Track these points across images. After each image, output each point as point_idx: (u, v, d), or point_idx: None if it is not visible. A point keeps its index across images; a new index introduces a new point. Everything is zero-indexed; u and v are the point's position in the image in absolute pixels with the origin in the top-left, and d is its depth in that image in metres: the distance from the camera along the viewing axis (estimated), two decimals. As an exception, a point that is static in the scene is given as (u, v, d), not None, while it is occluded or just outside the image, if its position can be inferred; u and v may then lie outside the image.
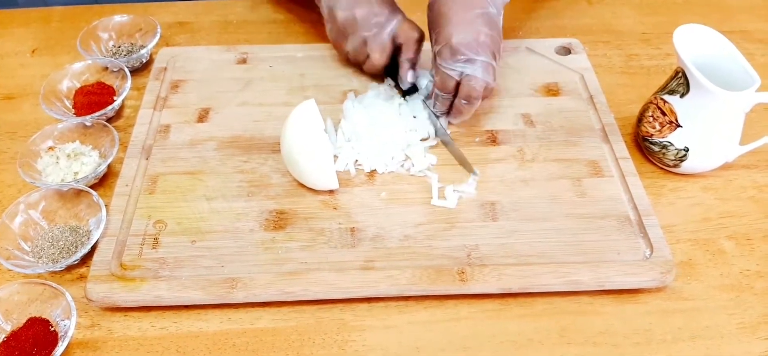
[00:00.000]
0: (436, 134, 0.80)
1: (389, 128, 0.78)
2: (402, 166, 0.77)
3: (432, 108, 0.81)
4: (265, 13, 1.04)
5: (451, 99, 0.78)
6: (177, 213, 0.71)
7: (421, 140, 0.79)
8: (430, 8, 0.79)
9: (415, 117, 0.81)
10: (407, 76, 0.83)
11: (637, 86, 0.90)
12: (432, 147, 0.79)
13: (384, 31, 0.83)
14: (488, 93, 0.78)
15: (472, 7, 0.76)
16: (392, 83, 0.86)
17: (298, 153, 0.71)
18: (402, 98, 0.83)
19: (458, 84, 0.77)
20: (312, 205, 0.73)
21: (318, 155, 0.71)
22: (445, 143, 0.79)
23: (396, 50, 0.84)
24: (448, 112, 0.80)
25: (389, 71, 0.86)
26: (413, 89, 0.84)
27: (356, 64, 0.88)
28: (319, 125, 0.71)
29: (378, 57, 0.84)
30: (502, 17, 0.79)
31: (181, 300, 0.65)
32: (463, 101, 0.77)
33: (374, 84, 0.87)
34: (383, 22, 0.83)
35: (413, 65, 0.84)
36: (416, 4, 0.88)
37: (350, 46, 0.85)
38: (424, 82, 0.84)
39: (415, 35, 0.83)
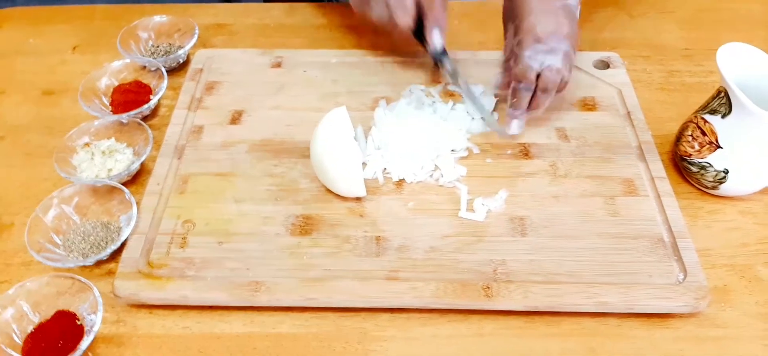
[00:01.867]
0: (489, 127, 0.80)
1: (419, 137, 0.77)
2: (431, 176, 0.76)
3: (509, 104, 0.79)
4: (302, 18, 1.04)
5: (531, 92, 0.77)
6: (206, 214, 0.72)
7: (451, 151, 0.78)
8: (508, 2, 0.79)
9: (445, 121, 0.80)
10: (434, 39, 0.82)
11: (677, 104, 0.87)
12: (463, 158, 0.78)
13: None
14: (563, 86, 0.78)
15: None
16: (424, 89, 0.86)
17: (327, 159, 0.71)
18: (434, 67, 0.83)
19: (538, 76, 0.76)
20: (339, 212, 0.72)
21: (347, 162, 0.70)
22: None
23: (421, 14, 0.82)
24: (528, 106, 0.79)
25: (420, 36, 0.84)
26: (444, 53, 0.82)
27: (385, 32, 0.85)
28: (349, 132, 0.71)
29: (402, 18, 0.81)
30: (579, 11, 0.79)
31: (206, 301, 0.65)
32: (541, 92, 0.77)
33: (406, 91, 0.86)
34: None
35: (441, 30, 0.82)
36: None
37: (374, 13, 0.83)
38: (478, 92, 0.84)
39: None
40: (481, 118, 0.81)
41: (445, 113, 0.81)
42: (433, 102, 0.84)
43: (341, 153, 0.70)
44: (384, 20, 0.83)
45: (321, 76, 0.89)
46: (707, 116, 0.73)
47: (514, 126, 0.79)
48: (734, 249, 0.72)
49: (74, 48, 0.99)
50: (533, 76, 0.76)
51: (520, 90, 0.77)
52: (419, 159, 0.76)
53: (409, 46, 0.87)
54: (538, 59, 0.75)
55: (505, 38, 0.81)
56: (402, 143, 0.77)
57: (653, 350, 0.64)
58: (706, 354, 0.63)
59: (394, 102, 0.84)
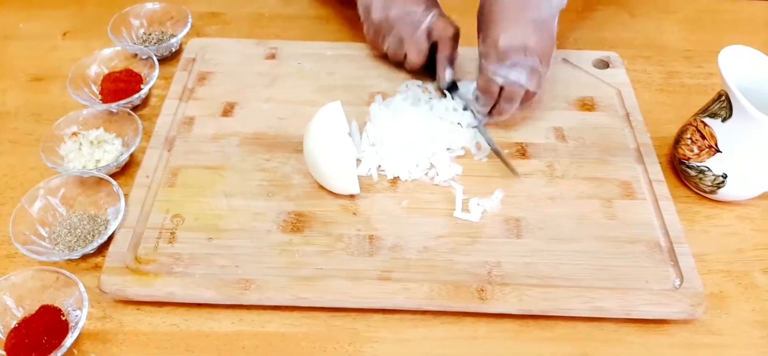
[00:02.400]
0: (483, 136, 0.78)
1: (415, 134, 0.76)
2: (426, 174, 0.74)
3: (474, 107, 0.79)
4: (298, 8, 1.02)
5: (494, 101, 0.76)
6: (195, 209, 0.70)
7: (446, 149, 0.77)
8: (481, 9, 0.77)
9: (441, 119, 0.79)
10: (445, 75, 0.82)
11: (676, 106, 0.86)
12: (459, 157, 0.77)
13: (419, 30, 0.81)
14: (529, 97, 0.76)
15: (523, 9, 0.73)
16: (421, 84, 0.85)
17: (320, 156, 0.70)
18: (442, 96, 0.82)
19: (501, 88, 0.75)
20: (331, 209, 0.71)
21: (340, 158, 0.69)
22: (492, 149, 0.77)
23: (433, 48, 0.82)
24: (489, 112, 0.78)
25: (431, 69, 0.84)
26: (453, 86, 0.82)
27: (396, 63, 0.87)
28: (343, 128, 0.70)
29: (415, 57, 0.83)
30: (556, 22, 0.76)
31: (194, 298, 0.64)
32: (504, 102, 0.76)
33: (402, 87, 0.85)
34: (418, 20, 0.81)
35: (451, 63, 0.82)
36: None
37: (387, 46, 0.84)
38: (471, 88, 0.82)
39: (451, 32, 0.81)
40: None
41: (441, 111, 0.80)
42: (430, 98, 0.82)
43: (335, 149, 0.69)
44: (398, 55, 0.85)
45: (316, 68, 0.87)
46: (707, 120, 0.72)
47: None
48: (731, 255, 0.71)
49: (65, 34, 0.97)
50: (495, 90, 0.75)
51: (482, 98, 0.77)
52: (414, 157, 0.75)
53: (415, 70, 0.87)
54: (501, 74, 0.74)
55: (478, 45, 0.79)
56: (397, 139, 0.75)
57: (648, 356, 0.63)
58: (701, 361, 0.63)
59: (390, 97, 0.82)
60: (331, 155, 0.69)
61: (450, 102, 0.81)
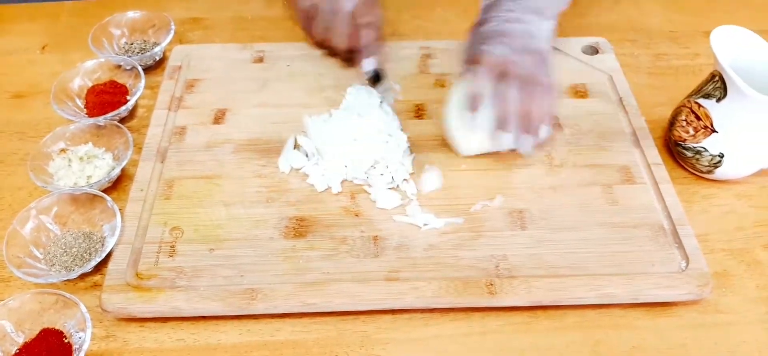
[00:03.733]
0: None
1: (348, 148, 0.74)
2: (381, 175, 0.73)
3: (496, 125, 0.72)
4: (280, 9, 1.01)
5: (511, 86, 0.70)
6: (194, 220, 0.69)
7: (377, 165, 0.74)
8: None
9: (379, 131, 0.76)
10: (364, 65, 0.78)
11: (666, 88, 0.87)
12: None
13: (341, 15, 0.76)
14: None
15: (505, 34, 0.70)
16: (368, 89, 0.81)
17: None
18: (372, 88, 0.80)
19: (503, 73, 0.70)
20: (333, 211, 0.70)
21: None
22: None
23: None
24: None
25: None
26: (377, 78, 0.79)
27: (330, 54, 0.82)
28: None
29: (338, 43, 0.77)
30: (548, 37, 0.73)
31: (199, 312, 0.63)
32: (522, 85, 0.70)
33: (350, 90, 0.81)
34: (340, 5, 0.75)
35: (373, 52, 0.78)
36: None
37: (316, 33, 0.79)
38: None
39: (371, 17, 0.77)
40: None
41: (378, 122, 0.76)
42: (382, 101, 0.80)
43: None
44: (326, 44, 0.80)
45: (306, 69, 0.86)
46: (701, 101, 0.72)
47: (526, 144, 0.72)
48: (731, 233, 0.72)
49: (43, 47, 0.94)
50: (487, 61, 0.69)
51: (499, 88, 0.69)
52: (351, 171, 0.73)
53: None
54: (485, 49, 0.70)
55: None
56: (333, 154, 0.73)
57: (658, 339, 0.63)
58: (710, 341, 0.63)
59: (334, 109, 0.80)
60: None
61: (384, 114, 0.78)
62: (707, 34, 0.71)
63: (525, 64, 0.69)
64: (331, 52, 0.81)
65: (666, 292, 0.64)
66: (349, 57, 0.81)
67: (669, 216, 0.69)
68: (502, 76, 0.69)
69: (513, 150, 0.74)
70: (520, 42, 0.70)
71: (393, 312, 0.64)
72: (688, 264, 0.65)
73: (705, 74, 0.74)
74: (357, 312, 0.64)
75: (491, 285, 0.63)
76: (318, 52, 0.82)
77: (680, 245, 0.67)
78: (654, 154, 0.75)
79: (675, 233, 0.68)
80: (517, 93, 0.69)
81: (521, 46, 0.70)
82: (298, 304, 0.63)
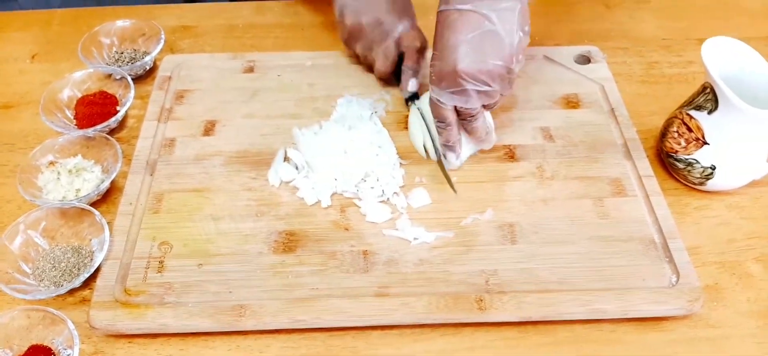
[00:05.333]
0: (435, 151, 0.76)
1: (338, 160, 0.74)
2: (372, 188, 0.73)
3: (439, 143, 0.74)
4: (271, 17, 1.00)
5: (454, 127, 0.72)
6: (183, 234, 0.69)
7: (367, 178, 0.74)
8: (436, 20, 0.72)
9: (370, 143, 0.76)
10: (408, 86, 0.81)
11: (659, 97, 0.87)
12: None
13: (388, 39, 0.81)
14: (490, 107, 0.73)
15: (457, 30, 0.67)
16: (358, 100, 0.83)
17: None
18: (406, 105, 0.81)
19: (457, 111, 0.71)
20: (323, 225, 0.70)
21: None
22: (438, 160, 0.75)
23: (402, 57, 0.82)
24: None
25: (399, 77, 0.83)
26: (415, 97, 0.81)
27: (367, 67, 0.87)
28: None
29: (382, 65, 0.83)
30: (516, 26, 0.68)
31: (188, 328, 0.62)
32: (465, 123, 0.72)
33: (341, 101, 0.82)
34: (388, 30, 0.81)
35: (415, 74, 0.81)
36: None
37: (359, 49, 0.84)
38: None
39: (417, 44, 0.81)
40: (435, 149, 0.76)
41: (368, 134, 0.77)
42: (372, 114, 0.81)
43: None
44: (368, 60, 0.85)
45: (296, 80, 0.86)
46: (693, 112, 0.72)
47: (452, 159, 0.74)
48: (723, 246, 0.71)
49: (33, 56, 0.94)
50: (447, 114, 0.71)
51: (440, 129, 0.73)
52: (341, 184, 0.73)
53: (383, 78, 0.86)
54: (444, 99, 0.70)
55: None
56: (322, 166, 0.73)
57: (648, 353, 0.63)
58: (701, 355, 0.63)
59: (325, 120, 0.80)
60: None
61: (374, 126, 0.79)
62: (700, 41, 0.71)
63: (479, 103, 0.70)
64: (371, 68, 0.86)
65: (656, 307, 0.63)
66: (389, 75, 0.84)
67: (660, 230, 0.69)
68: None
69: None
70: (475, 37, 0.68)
71: (383, 327, 0.64)
72: (678, 279, 0.65)
73: (698, 82, 0.73)
74: (347, 328, 0.64)
75: (481, 300, 0.63)
76: (307, 64, 0.84)
77: (671, 260, 0.66)
78: (645, 166, 0.75)
79: (666, 248, 0.67)
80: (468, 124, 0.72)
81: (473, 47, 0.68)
82: (287, 320, 0.62)
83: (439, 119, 0.72)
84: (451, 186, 0.73)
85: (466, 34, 0.67)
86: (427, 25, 0.80)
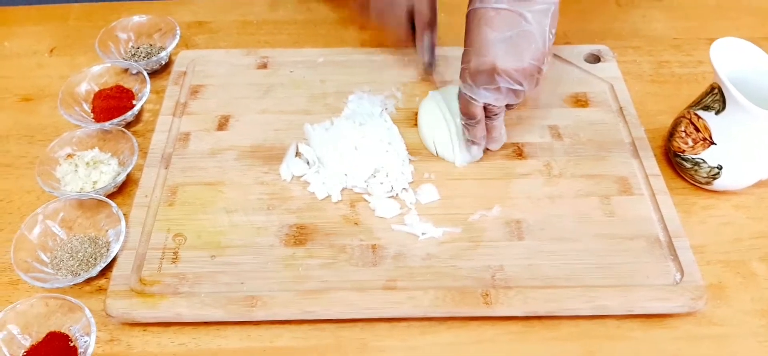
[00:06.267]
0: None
1: (350, 157, 0.75)
2: (381, 184, 0.74)
3: (465, 135, 0.76)
4: (284, 13, 1.02)
5: (481, 123, 0.73)
6: (197, 226, 0.70)
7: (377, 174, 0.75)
8: (467, 17, 0.72)
9: (380, 140, 0.77)
10: (423, 57, 0.82)
11: (668, 96, 0.87)
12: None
13: (397, 7, 0.81)
14: (511, 108, 0.75)
15: (495, 28, 0.67)
16: (370, 97, 0.85)
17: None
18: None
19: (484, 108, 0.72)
20: (333, 219, 0.71)
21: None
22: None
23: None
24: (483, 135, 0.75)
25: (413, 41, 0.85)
26: (429, 66, 0.83)
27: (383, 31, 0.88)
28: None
29: (394, 33, 0.84)
30: (547, 27, 0.68)
31: (201, 318, 0.64)
32: (488, 121, 0.73)
33: (353, 98, 0.84)
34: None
35: (429, 46, 0.82)
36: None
37: (373, 14, 0.85)
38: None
39: (425, 16, 0.81)
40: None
41: (379, 131, 0.78)
42: (382, 110, 0.82)
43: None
44: (380, 29, 0.87)
45: (308, 76, 0.87)
46: (700, 112, 0.73)
47: (474, 151, 0.76)
48: (728, 245, 0.72)
49: (51, 50, 0.96)
50: (476, 112, 0.72)
51: (467, 125, 0.74)
52: (351, 179, 0.74)
53: (398, 43, 0.88)
54: (477, 96, 0.71)
55: None
56: (333, 161, 0.75)
57: (652, 350, 0.64)
58: (703, 353, 0.64)
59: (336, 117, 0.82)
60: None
61: (384, 123, 0.80)
62: (711, 41, 0.71)
63: (510, 100, 0.71)
64: (386, 32, 0.87)
65: (660, 304, 0.64)
66: (403, 40, 0.85)
67: (665, 228, 0.70)
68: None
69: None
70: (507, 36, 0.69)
71: (391, 320, 0.65)
72: (682, 277, 0.66)
73: (708, 83, 0.74)
74: (355, 319, 0.65)
75: (487, 295, 0.64)
76: (319, 60, 0.87)
77: (675, 258, 0.67)
78: (652, 165, 0.76)
79: (671, 246, 0.68)
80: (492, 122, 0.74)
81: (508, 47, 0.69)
82: (298, 312, 0.64)
83: (468, 116, 0.73)
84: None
85: (505, 32, 0.67)
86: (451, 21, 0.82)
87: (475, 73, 0.69)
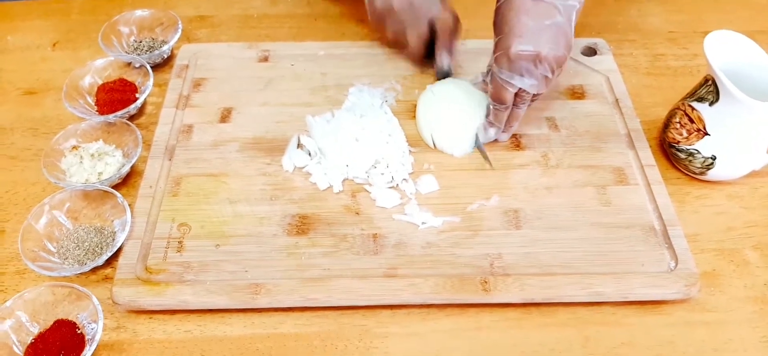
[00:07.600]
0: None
1: (350, 148, 0.76)
2: (382, 175, 0.75)
3: (489, 118, 0.77)
4: (285, 8, 1.03)
5: (508, 110, 0.75)
6: (201, 216, 0.72)
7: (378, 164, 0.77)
8: (496, 13, 0.73)
9: (380, 131, 0.78)
10: (443, 64, 0.84)
11: (663, 88, 0.89)
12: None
13: (421, 20, 0.83)
14: (534, 99, 0.76)
15: (538, 16, 0.69)
16: (369, 89, 0.86)
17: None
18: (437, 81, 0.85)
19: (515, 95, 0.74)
20: (334, 209, 0.73)
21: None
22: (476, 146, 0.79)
23: (434, 36, 0.84)
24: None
25: (431, 55, 0.86)
26: (447, 76, 0.84)
27: (398, 48, 0.89)
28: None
29: (414, 45, 0.85)
30: (573, 24, 0.71)
31: (206, 305, 0.65)
32: (515, 108, 0.75)
33: (353, 90, 0.85)
34: (420, 10, 0.83)
35: (450, 53, 0.84)
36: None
37: (390, 31, 0.86)
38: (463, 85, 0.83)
39: (450, 23, 0.83)
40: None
41: (379, 123, 0.79)
42: (383, 103, 0.84)
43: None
44: (399, 42, 0.87)
45: (309, 69, 0.88)
46: (695, 104, 0.74)
47: (492, 133, 0.78)
48: (722, 233, 0.73)
49: (55, 44, 0.97)
50: (508, 98, 0.73)
51: (494, 106, 0.75)
52: (353, 170, 0.76)
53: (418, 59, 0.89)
54: (515, 81, 0.72)
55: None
56: (334, 152, 0.76)
57: (646, 336, 0.65)
58: (697, 339, 0.65)
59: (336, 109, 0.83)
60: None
61: (384, 114, 0.81)
62: (705, 35, 0.72)
63: (541, 89, 0.73)
64: (402, 47, 0.88)
65: (654, 291, 0.66)
66: (422, 57, 0.87)
67: (660, 217, 0.71)
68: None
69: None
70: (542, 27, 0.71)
71: (392, 307, 0.67)
72: (676, 265, 0.67)
73: (703, 75, 0.75)
74: (357, 306, 0.67)
75: (486, 282, 0.66)
76: (319, 53, 0.87)
77: (670, 246, 0.69)
78: (648, 155, 0.77)
79: (665, 234, 0.70)
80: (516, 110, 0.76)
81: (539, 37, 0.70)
82: (300, 299, 0.65)
83: (500, 101, 0.74)
84: (488, 161, 0.77)
85: (544, 21, 0.69)
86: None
87: (516, 59, 0.70)
